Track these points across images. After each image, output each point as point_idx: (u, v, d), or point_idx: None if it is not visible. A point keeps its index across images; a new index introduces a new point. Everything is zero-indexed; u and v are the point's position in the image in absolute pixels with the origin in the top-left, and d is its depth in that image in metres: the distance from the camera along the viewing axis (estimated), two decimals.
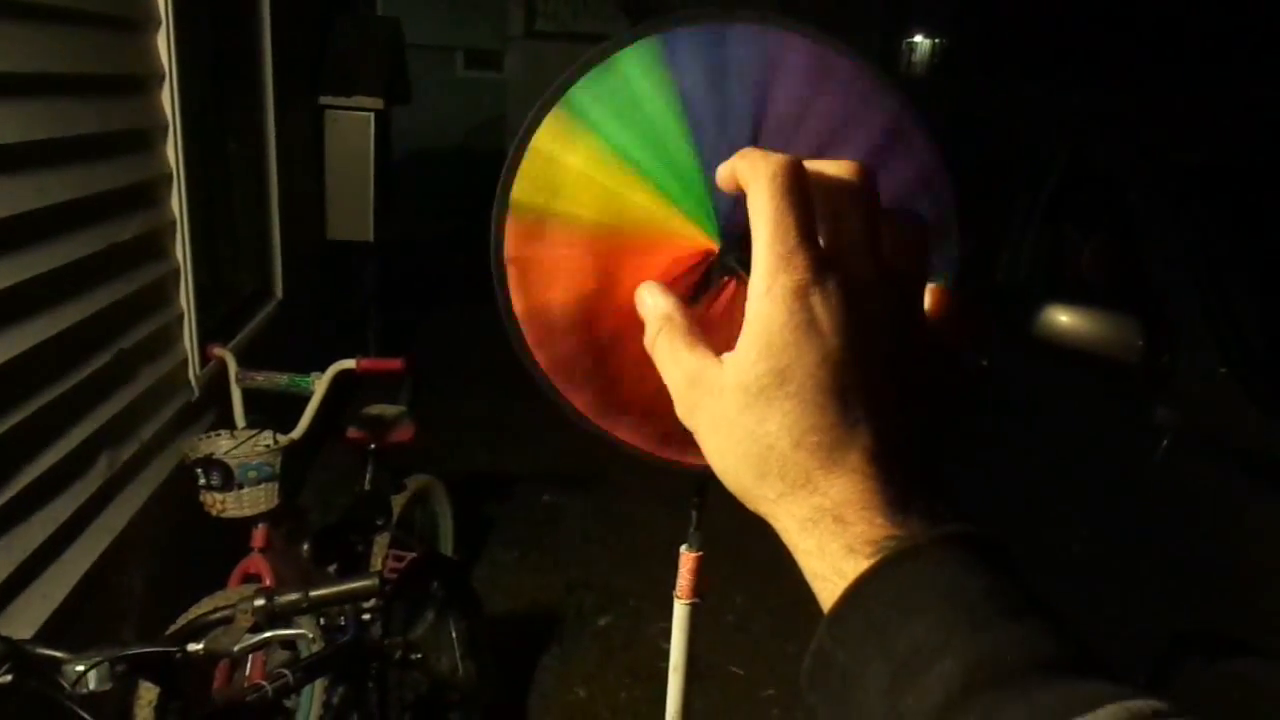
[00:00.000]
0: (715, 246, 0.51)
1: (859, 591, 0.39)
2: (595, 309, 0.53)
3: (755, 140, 0.50)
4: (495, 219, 0.52)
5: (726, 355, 0.44)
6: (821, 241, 0.43)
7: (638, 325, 0.52)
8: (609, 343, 0.54)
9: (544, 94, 0.51)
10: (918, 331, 0.45)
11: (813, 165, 0.44)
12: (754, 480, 0.43)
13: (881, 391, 0.43)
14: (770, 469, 0.42)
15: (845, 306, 0.42)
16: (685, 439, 0.58)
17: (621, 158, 0.51)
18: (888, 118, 0.51)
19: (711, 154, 0.50)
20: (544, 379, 0.56)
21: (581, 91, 0.51)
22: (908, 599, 0.38)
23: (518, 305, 0.54)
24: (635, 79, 0.50)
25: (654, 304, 0.49)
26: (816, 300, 0.42)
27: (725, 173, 0.46)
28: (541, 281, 0.53)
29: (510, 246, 0.53)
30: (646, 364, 0.53)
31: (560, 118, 0.51)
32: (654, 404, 0.56)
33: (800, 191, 0.43)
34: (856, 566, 0.39)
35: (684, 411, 0.46)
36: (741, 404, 0.43)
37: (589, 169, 0.51)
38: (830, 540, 0.41)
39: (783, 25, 0.50)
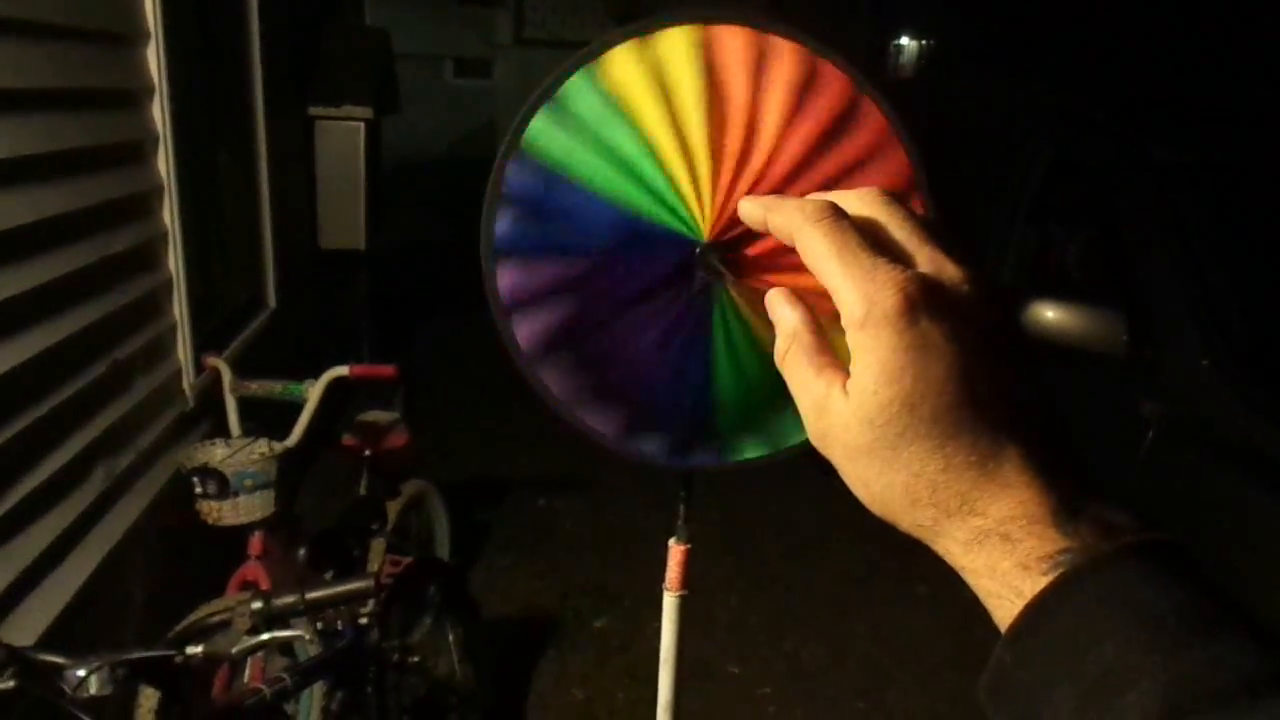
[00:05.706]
0: (698, 242, 0.52)
1: (1040, 610, 0.37)
2: (581, 283, 0.54)
3: (749, 145, 0.51)
4: (489, 196, 0.53)
5: (850, 383, 0.41)
6: None
7: (621, 305, 0.53)
8: (592, 324, 0.55)
9: (543, 81, 0.52)
10: (1010, 321, 0.43)
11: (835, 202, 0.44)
12: (904, 509, 0.41)
13: (1011, 394, 0.40)
14: (920, 497, 0.40)
15: (948, 311, 0.40)
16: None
17: (612, 147, 0.52)
18: (873, 130, 0.51)
19: (707, 148, 0.51)
20: (519, 353, 0.55)
21: (575, 81, 0.52)
22: (1093, 618, 0.36)
23: (502, 281, 0.54)
24: (626, 73, 0.52)
25: (784, 316, 0.46)
26: (921, 312, 0.39)
27: (755, 218, 0.46)
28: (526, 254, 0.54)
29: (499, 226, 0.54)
30: (626, 355, 0.54)
31: (552, 110, 0.52)
32: (632, 393, 0.57)
33: (847, 219, 0.42)
34: (1034, 584, 0.37)
35: (816, 439, 0.44)
36: (871, 437, 0.40)
37: (577, 152, 0.52)
38: (1000, 559, 0.38)
39: (779, 29, 0.51)
